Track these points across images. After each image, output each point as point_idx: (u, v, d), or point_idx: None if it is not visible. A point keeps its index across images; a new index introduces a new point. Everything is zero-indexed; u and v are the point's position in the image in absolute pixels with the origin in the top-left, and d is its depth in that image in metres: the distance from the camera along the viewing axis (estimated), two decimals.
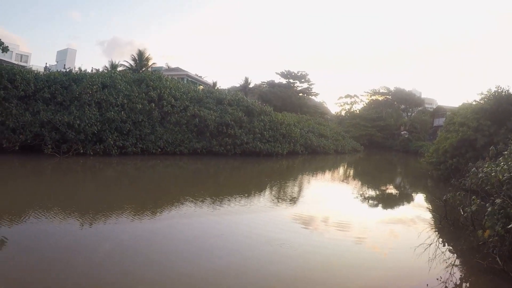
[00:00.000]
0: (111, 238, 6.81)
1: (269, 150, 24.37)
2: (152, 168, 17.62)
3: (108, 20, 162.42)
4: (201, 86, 31.84)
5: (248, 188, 14.41)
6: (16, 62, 34.06)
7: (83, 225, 7.35)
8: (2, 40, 15.73)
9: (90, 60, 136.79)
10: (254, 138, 23.89)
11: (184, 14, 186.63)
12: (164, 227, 7.85)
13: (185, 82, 30.59)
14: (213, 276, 5.39)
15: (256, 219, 8.99)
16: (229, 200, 11.00)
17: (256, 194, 12.74)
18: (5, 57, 17.72)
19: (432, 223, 9.83)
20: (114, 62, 46.20)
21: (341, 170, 25.05)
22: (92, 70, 22.19)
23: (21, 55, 49.27)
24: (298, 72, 61.94)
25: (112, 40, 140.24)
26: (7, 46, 16.26)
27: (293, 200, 12.13)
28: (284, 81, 62.83)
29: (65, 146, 17.01)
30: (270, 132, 25.35)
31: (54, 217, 7.74)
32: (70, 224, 7.41)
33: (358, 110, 65.10)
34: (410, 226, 9.59)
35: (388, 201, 14.06)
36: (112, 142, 18.11)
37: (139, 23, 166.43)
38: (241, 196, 11.98)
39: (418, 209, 12.45)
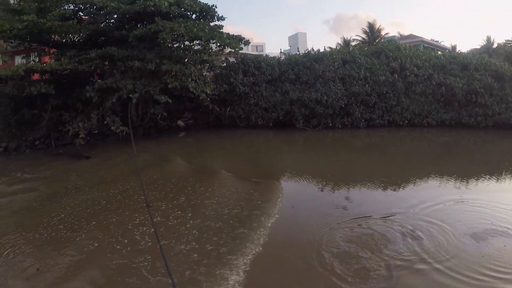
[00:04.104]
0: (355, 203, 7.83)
1: None
2: (400, 140, 16.97)
3: None
4: (439, 52, 28.68)
5: (499, 165, 12.28)
6: (254, 53, 38.66)
7: (334, 190, 8.90)
8: (242, 36, 18.16)
9: (319, 39, 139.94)
10: (507, 108, 20.07)
11: None
12: (412, 197, 8.04)
13: (421, 48, 28.17)
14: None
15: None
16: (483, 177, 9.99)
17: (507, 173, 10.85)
18: (244, 50, 20.35)
19: None
20: (346, 38, 46.41)
21: None
22: (325, 49, 22.83)
23: (256, 46, 55.01)
24: None
25: (336, 17, 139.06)
26: (248, 40, 18.57)
27: None
28: None
29: (315, 121, 18.49)
30: None
31: (311, 182, 9.61)
32: (327, 188, 9.19)
33: None
34: None
35: None
36: (359, 115, 18.45)
37: None
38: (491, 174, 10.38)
39: None
